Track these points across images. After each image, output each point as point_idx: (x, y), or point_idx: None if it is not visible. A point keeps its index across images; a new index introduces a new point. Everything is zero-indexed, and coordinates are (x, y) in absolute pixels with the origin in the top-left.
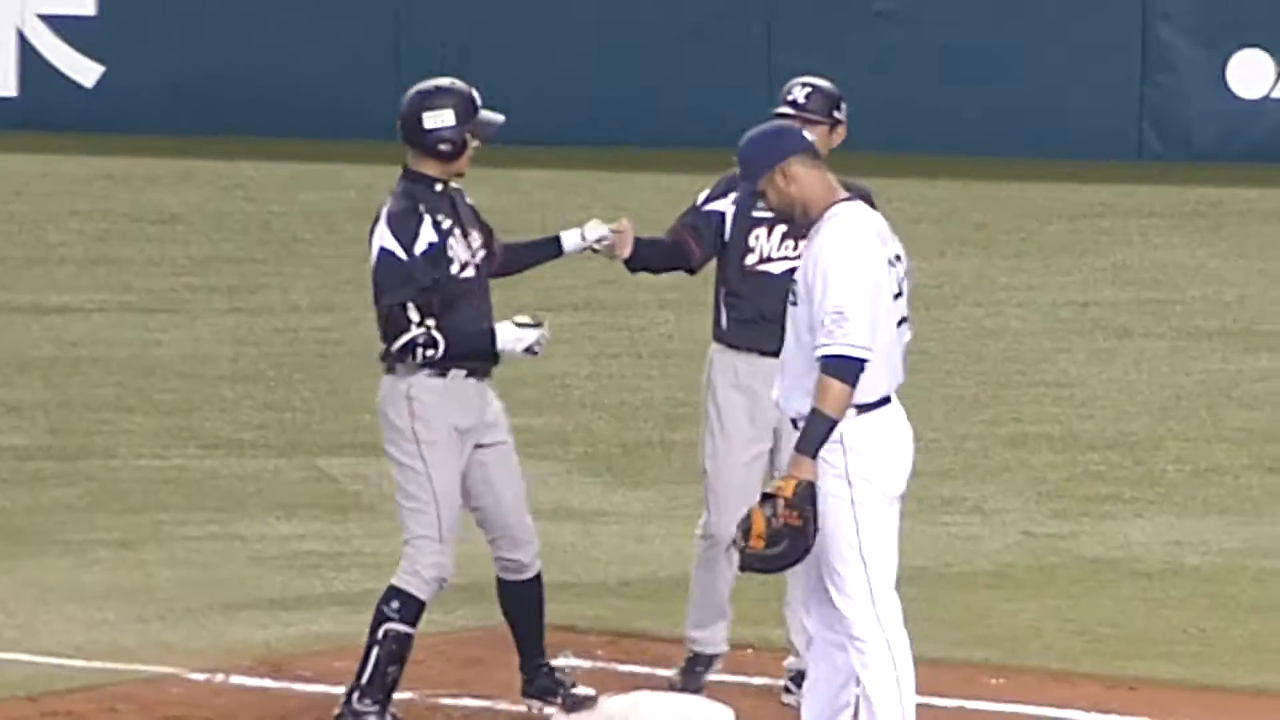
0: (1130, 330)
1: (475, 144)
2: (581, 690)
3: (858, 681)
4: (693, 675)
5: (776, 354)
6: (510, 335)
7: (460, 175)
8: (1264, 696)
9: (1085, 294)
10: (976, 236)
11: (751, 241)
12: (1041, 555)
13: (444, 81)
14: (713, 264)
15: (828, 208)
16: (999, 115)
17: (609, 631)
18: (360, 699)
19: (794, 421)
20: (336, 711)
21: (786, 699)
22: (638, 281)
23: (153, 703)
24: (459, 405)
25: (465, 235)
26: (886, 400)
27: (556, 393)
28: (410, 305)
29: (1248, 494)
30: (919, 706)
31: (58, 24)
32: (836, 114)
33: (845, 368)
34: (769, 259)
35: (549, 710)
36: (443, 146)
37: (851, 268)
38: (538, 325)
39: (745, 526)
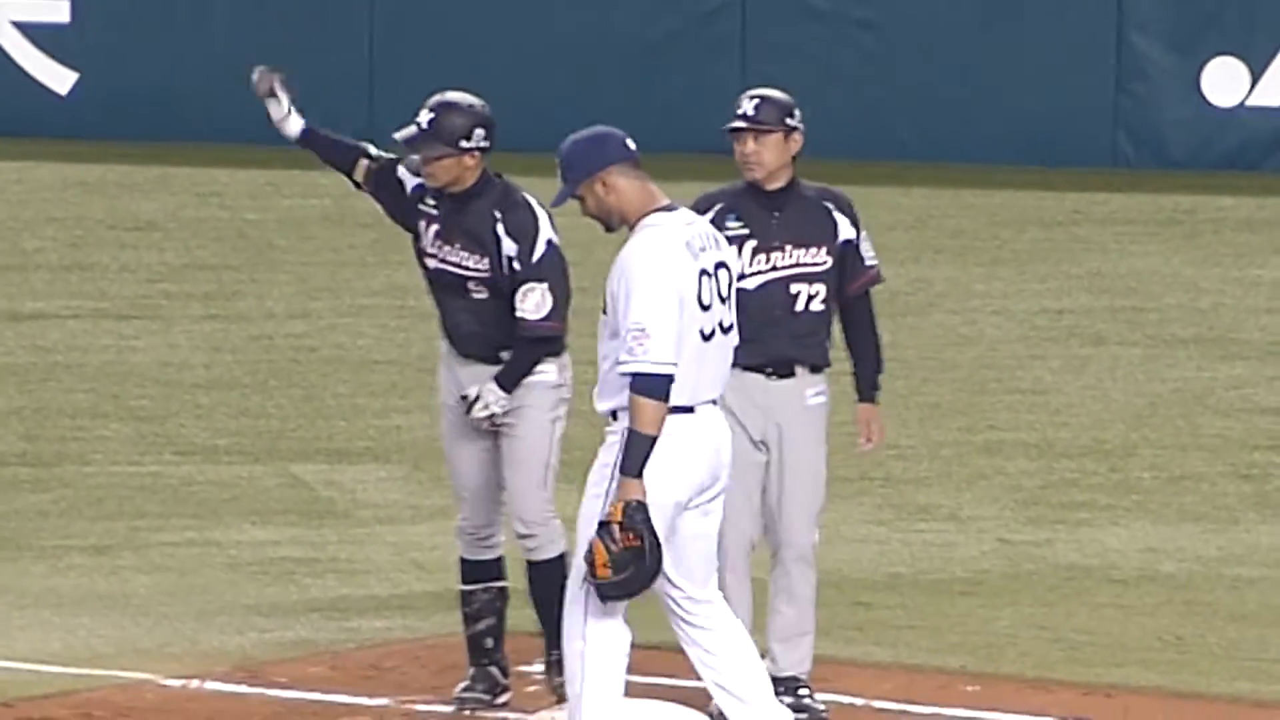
0: (1105, 338)
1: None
2: None
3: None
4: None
5: (756, 369)
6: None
7: (442, 187)
8: (1239, 704)
9: (1060, 301)
10: (951, 244)
11: None
12: (1017, 562)
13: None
14: None
15: (644, 217)
16: (974, 123)
17: None
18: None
19: (613, 414)
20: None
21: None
22: None
23: (128, 709)
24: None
25: (447, 239)
26: (687, 410)
27: None
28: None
29: (1223, 501)
30: (896, 713)
31: (32, 31)
32: (790, 121)
33: (651, 385)
34: (743, 275)
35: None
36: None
37: (653, 283)
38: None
39: (590, 559)
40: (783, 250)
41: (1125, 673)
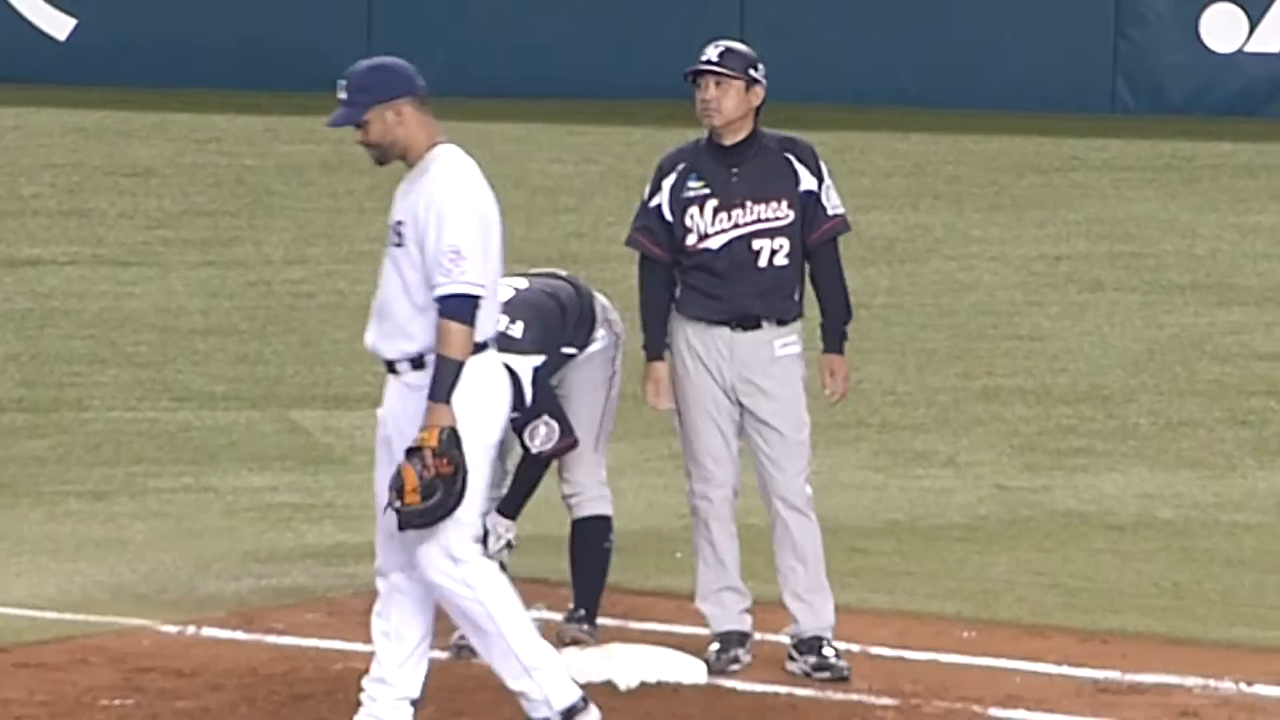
0: (1103, 284)
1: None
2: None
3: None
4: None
5: (722, 323)
6: None
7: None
8: (1236, 649)
9: (1058, 248)
10: (949, 190)
11: (688, 222)
12: (1014, 509)
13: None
14: None
15: (429, 150)
16: (972, 69)
17: None
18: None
19: (390, 365)
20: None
21: (790, 666)
22: (609, 237)
23: (124, 654)
24: None
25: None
26: (484, 346)
27: None
28: None
29: (1220, 447)
30: (891, 660)
31: None
32: (753, 72)
33: (463, 307)
34: (706, 235)
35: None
36: None
37: (465, 206)
38: None
39: (398, 485)
40: (743, 207)
41: (1122, 619)
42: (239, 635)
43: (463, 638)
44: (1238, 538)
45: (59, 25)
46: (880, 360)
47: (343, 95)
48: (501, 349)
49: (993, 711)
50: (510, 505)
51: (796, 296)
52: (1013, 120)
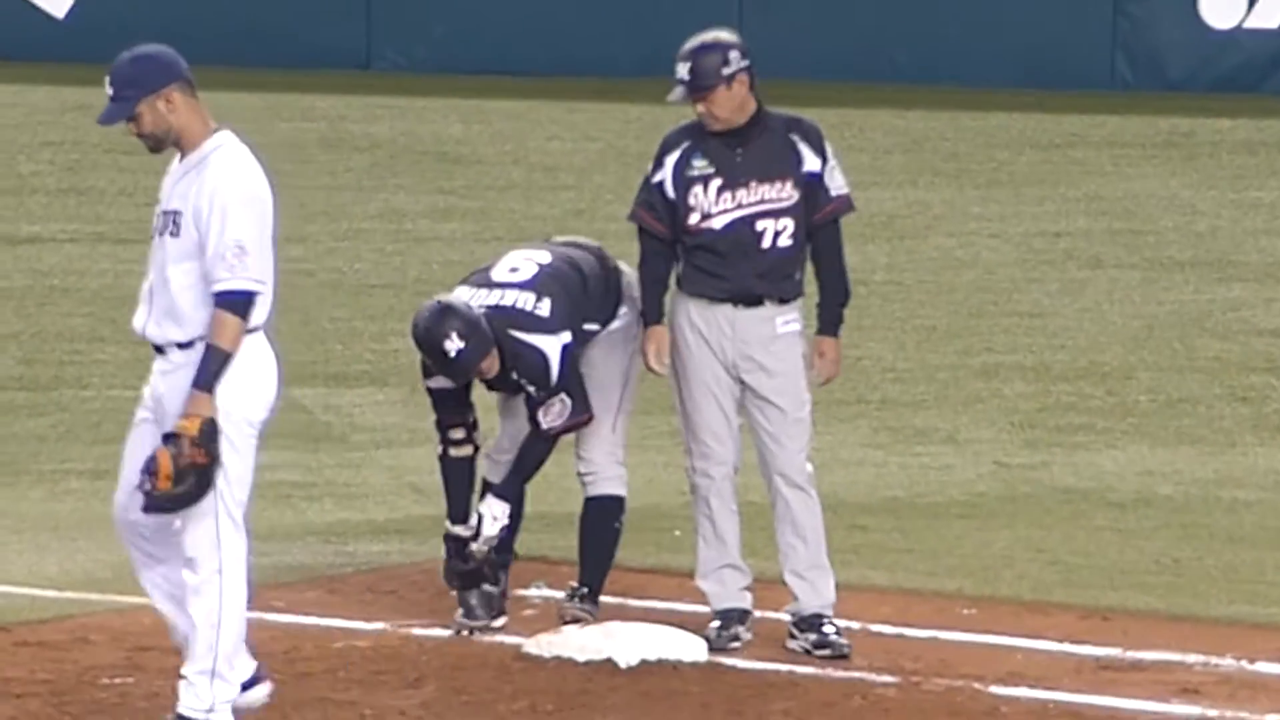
0: (1102, 260)
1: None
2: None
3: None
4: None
5: (724, 301)
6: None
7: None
8: (1236, 626)
9: (1057, 224)
10: (948, 167)
11: (691, 201)
12: (1014, 485)
13: None
14: None
15: (206, 138)
16: (971, 45)
17: None
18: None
19: (158, 348)
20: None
21: (790, 644)
22: (608, 214)
23: (125, 633)
24: None
25: None
26: (254, 330)
27: None
28: None
29: (1220, 424)
30: (892, 637)
31: None
32: (725, 70)
33: (243, 303)
34: (710, 214)
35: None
36: None
37: (249, 201)
38: None
39: (152, 468)
40: (747, 187)
41: (1122, 595)
42: None
43: (464, 615)
44: (1238, 514)
45: (58, 3)
46: (880, 337)
47: (110, 91)
48: (530, 329)
49: (993, 689)
50: (512, 485)
51: (798, 276)
52: (1012, 97)
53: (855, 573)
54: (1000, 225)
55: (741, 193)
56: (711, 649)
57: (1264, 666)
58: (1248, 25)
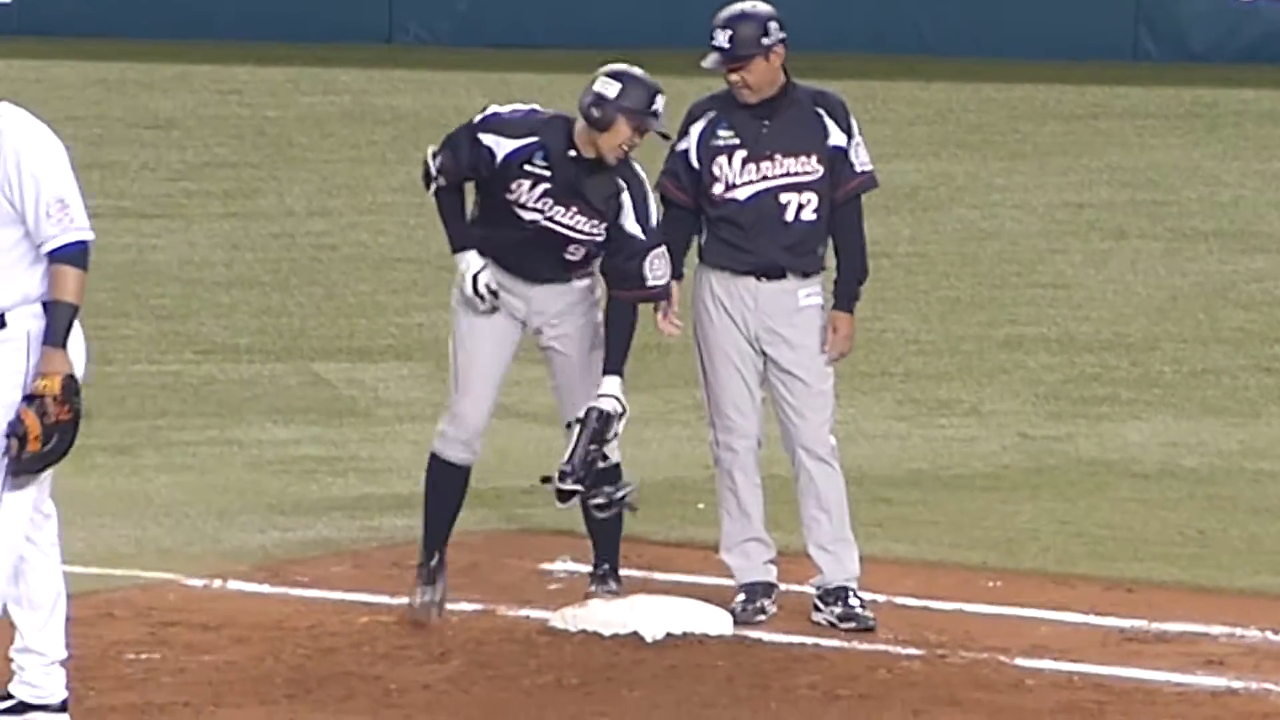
0: (1126, 231)
1: (633, 139)
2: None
3: None
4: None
5: (747, 274)
6: (463, 266)
7: (603, 158)
8: (1261, 597)
9: (1081, 195)
10: (972, 138)
11: (716, 171)
12: (1038, 457)
13: (637, 70)
14: None
15: None
16: (995, 17)
17: None
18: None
19: None
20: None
21: (816, 617)
22: None
23: (149, 609)
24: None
25: (556, 198)
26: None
27: None
28: (437, 163)
29: (1244, 395)
30: (917, 610)
31: None
32: (765, 40)
33: (80, 253)
34: (734, 185)
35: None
36: (594, 111)
37: (56, 157)
38: (488, 296)
39: (20, 432)
40: (772, 160)
41: (1147, 567)
42: (264, 588)
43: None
44: (1263, 485)
45: None
46: (903, 309)
47: None
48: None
49: (1019, 661)
50: (617, 359)
51: (821, 250)
52: (1035, 68)
53: (879, 545)
54: (1024, 196)
55: (766, 165)
56: (736, 622)
57: None
58: None
